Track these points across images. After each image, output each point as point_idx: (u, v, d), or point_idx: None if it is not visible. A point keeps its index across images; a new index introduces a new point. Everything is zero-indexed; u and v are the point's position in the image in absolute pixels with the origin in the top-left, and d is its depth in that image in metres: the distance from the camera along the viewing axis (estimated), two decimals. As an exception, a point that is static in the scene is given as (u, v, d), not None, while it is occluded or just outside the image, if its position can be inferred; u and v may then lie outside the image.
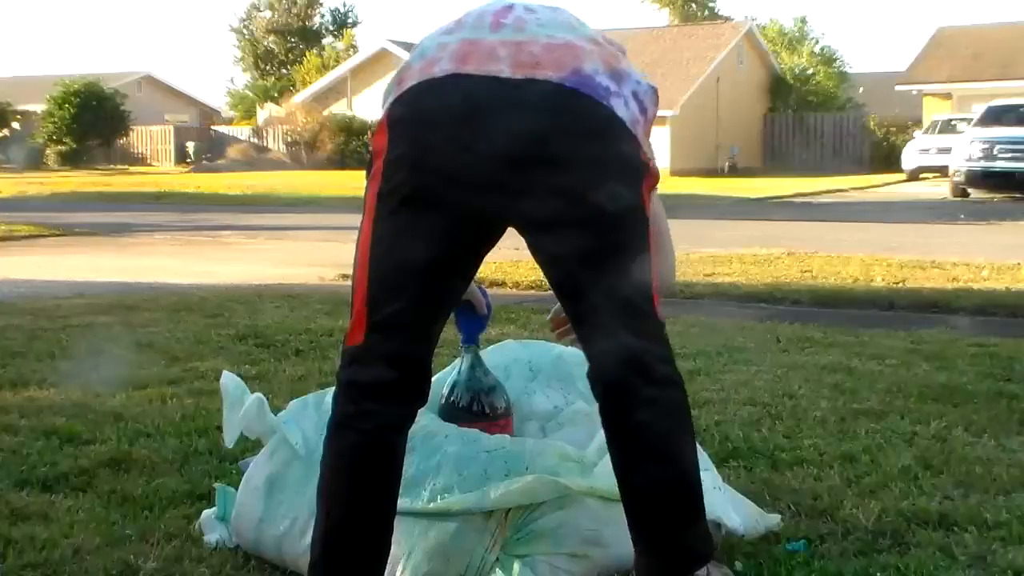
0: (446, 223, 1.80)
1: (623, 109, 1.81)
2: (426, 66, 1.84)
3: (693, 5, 49.28)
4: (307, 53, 53.83)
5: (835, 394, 3.84)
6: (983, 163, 17.82)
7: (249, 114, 50.39)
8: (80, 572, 2.21)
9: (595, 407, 1.91)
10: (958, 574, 2.20)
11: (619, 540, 2.16)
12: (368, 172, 1.87)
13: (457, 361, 2.46)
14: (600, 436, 2.27)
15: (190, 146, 42.99)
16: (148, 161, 43.38)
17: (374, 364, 1.83)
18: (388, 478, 1.88)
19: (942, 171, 22.16)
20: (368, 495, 1.86)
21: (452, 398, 2.39)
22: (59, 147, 40.73)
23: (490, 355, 2.57)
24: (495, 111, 1.76)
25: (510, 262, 8.43)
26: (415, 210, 1.79)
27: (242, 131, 44.11)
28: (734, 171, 31.52)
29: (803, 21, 42.75)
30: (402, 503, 2.12)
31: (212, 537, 2.38)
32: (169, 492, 2.69)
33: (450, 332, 5.70)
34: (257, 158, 39.09)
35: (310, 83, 45.68)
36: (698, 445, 2.48)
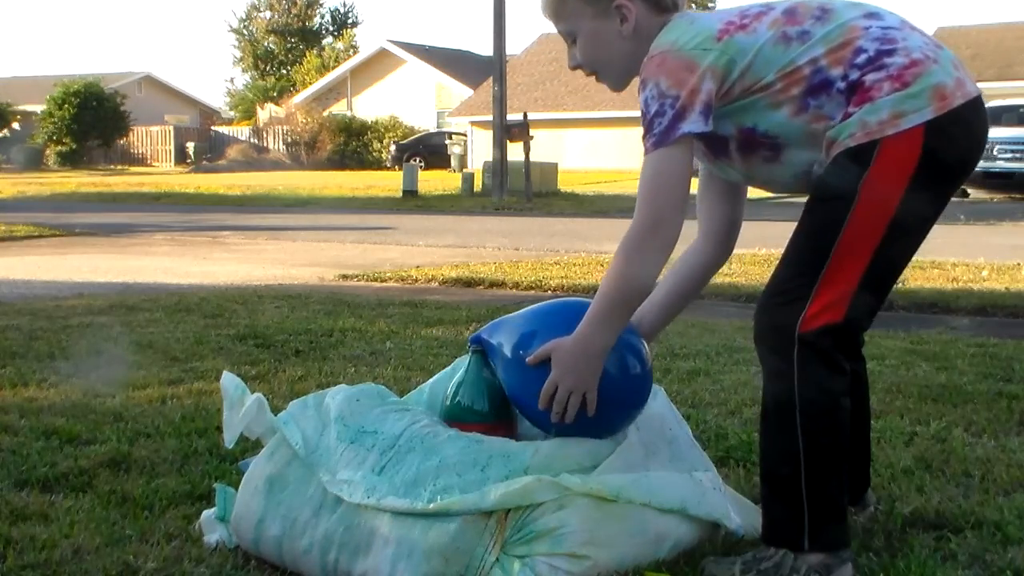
0: None
1: None
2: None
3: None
4: (307, 53, 53.90)
5: (835, 394, 3.83)
6: (983, 163, 17.75)
7: (249, 114, 50.42)
8: (80, 572, 2.21)
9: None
10: (958, 574, 2.20)
11: (619, 540, 2.16)
12: None
13: (461, 362, 2.46)
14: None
15: (190, 146, 43.04)
16: (148, 161, 43.43)
17: None
18: None
19: (942, 171, 22.11)
20: None
21: (456, 399, 2.38)
22: (59, 147, 40.76)
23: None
24: None
25: (510, 262, 8.43)
26: None
27: (242, 131, 44.16)
28: (734, 171, 31.49)
29: (803, 21, 42.70)
30: (402, 503, 2.12)
31: (212, 537, 2.38)
32: (169, 492, 2.69)
33: (452, 333, 5.67)
34: (257, 158, 39.14)
35: (310, 83, 45.73)
36: (697, 445, 2.49)
